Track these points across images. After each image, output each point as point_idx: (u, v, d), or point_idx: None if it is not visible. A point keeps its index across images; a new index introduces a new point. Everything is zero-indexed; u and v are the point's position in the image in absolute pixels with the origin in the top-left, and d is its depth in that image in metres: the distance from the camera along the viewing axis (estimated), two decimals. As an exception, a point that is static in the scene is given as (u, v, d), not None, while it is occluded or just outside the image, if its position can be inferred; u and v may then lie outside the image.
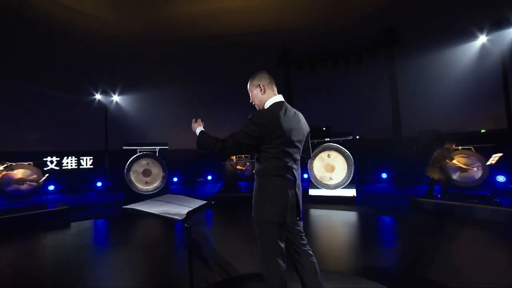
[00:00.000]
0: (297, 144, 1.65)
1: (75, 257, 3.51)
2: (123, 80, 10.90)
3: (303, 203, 1.77)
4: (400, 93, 10.07)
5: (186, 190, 9.04)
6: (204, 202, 1.71)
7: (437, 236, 3.75)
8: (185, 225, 1.53)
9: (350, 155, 5.96)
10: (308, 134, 1.80)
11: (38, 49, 8.95)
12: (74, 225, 5.09)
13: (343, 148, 6.06)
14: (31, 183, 5.87)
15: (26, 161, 5.99)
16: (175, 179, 10.29)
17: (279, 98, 1.69)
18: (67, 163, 9.24)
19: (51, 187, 8.32)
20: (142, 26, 9.11)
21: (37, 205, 5.81)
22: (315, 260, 1.68)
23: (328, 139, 6.32)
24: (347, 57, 10.28)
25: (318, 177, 6.34)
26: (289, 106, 1.69)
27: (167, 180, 7.07)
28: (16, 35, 8.45)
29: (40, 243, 4.21)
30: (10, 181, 5.65)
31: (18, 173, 5.75)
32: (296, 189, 1.62)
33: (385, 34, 9.83)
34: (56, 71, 9.48)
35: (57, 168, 9.00)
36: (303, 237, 1.69)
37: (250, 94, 1.78)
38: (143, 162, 6.67)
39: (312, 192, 6.39)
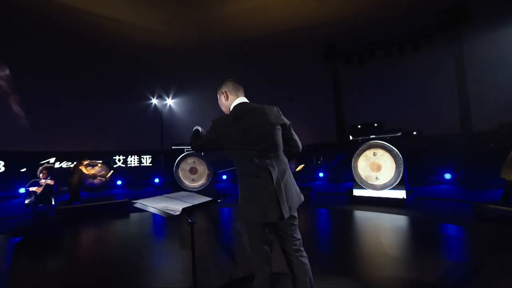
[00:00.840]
0: (265, 141, 1.57)
1: (130, 242, 4.10)
2: (176, 85, 11.95)
3: (302, 203, 1.71)
4: (471, 81, 8.64)
5: (231, 187, 9.42)
6: (209, 199, 1.79)
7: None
8: (188, 220, 1.63)
9: (398, 153, 5.40)
10: (285, 127, 1.68)
11: (107, 65, 10.44)
12: (133, 215, 5.82)
13: (390, 146, 5.51)
14: (101, 178, 6.93)
15: (97, 160, 7.10)
16: (224, 177, 10.80)
17: (239, 100, 1.71)
18: (131, 161, 10.58)
19: (119, 182, 9.63)
20: (187, 36, 9.85)
21: (105, 197, 6.85)
22: (307, 268, 1.63)
23: (374, 136, 5.83)
24: (400, 46, 9.29)
25: (363, 176, 5.92)
26: (250, 105, 1.67)
27: (212, 177, 7.49)
28: (94, 56, 10.06)
29: (105, 229, 4.99)
30: (87, 176, 6.79)
31: (92, 169, 6.85)
32: (275, 187, 1.53)
33: (447, 14, 8.55)
34: (119, 83, 10.92)
35: (123, 165, 10.38)
36: (295, 243, 1.64)
37: (219, 102, 1.86)
38: (190, 160, 7.20)
39: (357, 192, 5.99)
